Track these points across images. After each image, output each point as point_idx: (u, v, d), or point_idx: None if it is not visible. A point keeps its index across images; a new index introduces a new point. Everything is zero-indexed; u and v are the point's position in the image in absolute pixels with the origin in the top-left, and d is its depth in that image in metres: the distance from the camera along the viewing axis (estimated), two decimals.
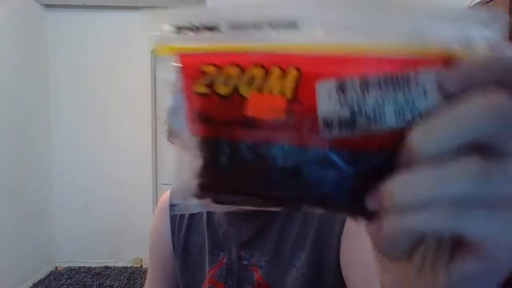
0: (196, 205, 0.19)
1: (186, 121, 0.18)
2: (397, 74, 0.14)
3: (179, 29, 0.17)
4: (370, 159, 0.15)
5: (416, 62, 0.14)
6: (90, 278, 2.93)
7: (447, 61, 0.14)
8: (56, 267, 3.14)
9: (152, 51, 0.18)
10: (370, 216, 0.16)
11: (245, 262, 0.55)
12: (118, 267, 3.15)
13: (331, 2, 0.16)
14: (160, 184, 3.10)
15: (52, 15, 3.07)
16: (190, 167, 0.18)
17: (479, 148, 0.13)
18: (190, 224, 0.61)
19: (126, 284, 2.83)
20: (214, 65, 0.16)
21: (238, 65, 0.16)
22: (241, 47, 0.16)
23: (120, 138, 3.12)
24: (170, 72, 0.17)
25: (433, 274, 0.16)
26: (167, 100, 0.18)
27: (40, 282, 2.88)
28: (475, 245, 0.14)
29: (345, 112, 0.15)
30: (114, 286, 2.79)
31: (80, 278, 2.94)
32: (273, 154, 0.16)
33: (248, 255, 0.55)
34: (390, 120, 0.14)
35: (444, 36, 0.14)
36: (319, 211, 0.18)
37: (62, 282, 2.87)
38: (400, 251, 0.17)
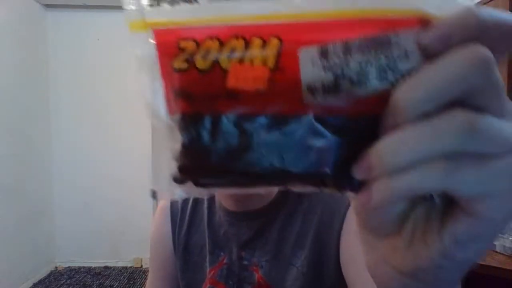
0: (178, 191, 0.18)
1: (165, 100, 0.17)
2: (378, 36, 0.14)
3: (156, 0, 0.16)
4: (356, 125, 0.15)
5: (395, 23, 0.14)
6: (90, 278, 2.93)
7: (425, 22, 0.14)
8: (56, 267, 3.15)
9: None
10: (358, 187, 0.16)
11: (245, 262, 0.55)
12: (118, 267, 3.15)
13: None
14: None
15: (52, 15, 3.07)
16: (169, 150, 0.17)
17: (464, 104, 0.13)
18: (190, 224, 0.61)
19: (126, 284, 2.83)
20: (192, 39, 0.16)
21: (217, 38, 0.15)
22: (219, 18, 0.16)
23: (120, 138, 3.12)
24: (146, 49, 0.16)
25: (424, 243, 0.16)
26: (143, 80, 0.17)
27: (40, 282, 2.88)
28: (466, 205, 0.14)
29: (329, 77, 0.15)
30: (114, 286, 2.79)
31: (80, 278, 2.94)
32: (257, 125, 0.16)
33: (248, 255, 0.55)
34: (374, 82, 0.14)
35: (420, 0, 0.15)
36: (306, 188, 0.17)
37: (62, 282, 2.87)
38: (390, 221, 0.17)
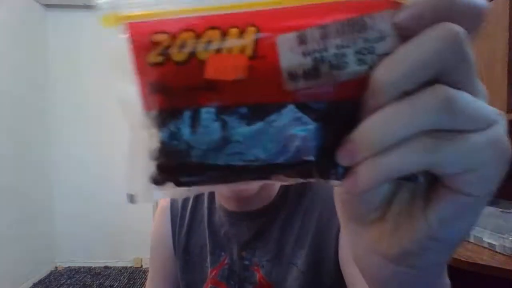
0: (157, 194, 0.17)
1: (140, 97, 0.16)
2: (353, 19, 0.14)
3: None
4: (338, 110, 0.15)
5: (369, 6, 0.14)
6: (90, 278, 2.93)
7: (396, 4, 0.14)
8: (56, 267, 3.14)
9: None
10: (342, 174, 0.16)
11: (246, 262, 0.55)
12: (118, 267, 3.15)
13: None
14: None
15: (52, 15, 3.07)
16: (146, 150, 0.16)
17: (440, 82, 0.13)
18: (190, 225, 0.61)
19: (126, 284, 2.82)
20: (166, 32, 0.15)
21: (192, 30, 0.15)
22: (193, 9, 0.15)
23: (120, 139, 3.12)
24: (119, 44, 0.16)
25: (410, 226, 0.16)
26: (116, 76, 0.16)
27: (40, 282, 2.88)
28: (449, 182, 0.14)
29: (309, 63, 0.15)
30: (114, 286, 2.79)
31: (80, 278, 2.94)
32: (238, 116, 0.15)
33: (249, 255, 0.55)
34: (352, 65, 0.14)
35: None
36: (291, 179, 0.17)
37: (62, 282, 2.86)
38: (375, 206, 0.17)
